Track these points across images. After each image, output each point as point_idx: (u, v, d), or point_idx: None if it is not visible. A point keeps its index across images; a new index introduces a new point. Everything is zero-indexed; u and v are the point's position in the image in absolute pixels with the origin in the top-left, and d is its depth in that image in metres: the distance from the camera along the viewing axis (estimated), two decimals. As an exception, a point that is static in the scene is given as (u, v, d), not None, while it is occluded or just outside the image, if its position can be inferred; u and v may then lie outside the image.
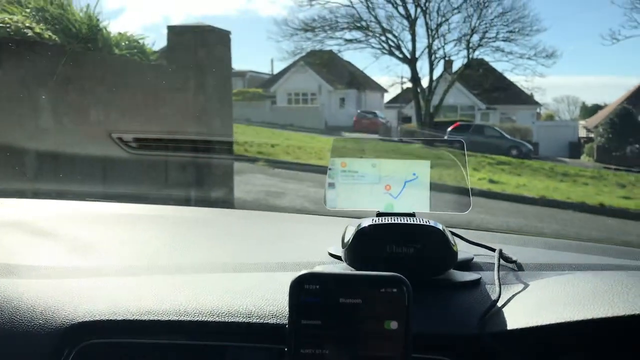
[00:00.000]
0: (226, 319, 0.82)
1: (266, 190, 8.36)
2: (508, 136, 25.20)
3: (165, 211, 1.53)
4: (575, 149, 27.58)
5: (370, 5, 25.34)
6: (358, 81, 33.75)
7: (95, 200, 1.66)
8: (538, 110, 32.90)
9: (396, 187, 1.06)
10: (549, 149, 26.55)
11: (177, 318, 0.82)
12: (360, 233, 0.87)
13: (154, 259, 1.05)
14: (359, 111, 31.88)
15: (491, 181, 12.58)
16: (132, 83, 4.32)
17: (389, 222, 0.87)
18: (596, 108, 35.97)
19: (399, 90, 30.87)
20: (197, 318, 0.82)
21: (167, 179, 3.92)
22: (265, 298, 0.85)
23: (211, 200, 4.25)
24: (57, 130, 3.30)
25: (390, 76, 52.71)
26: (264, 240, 1.19)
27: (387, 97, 36.48)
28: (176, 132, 4.43)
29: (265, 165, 11.28)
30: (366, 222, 0.89)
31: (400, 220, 0.89)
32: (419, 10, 25.12)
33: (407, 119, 29.69)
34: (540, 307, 0.76)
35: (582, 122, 32.25)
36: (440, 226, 0.88)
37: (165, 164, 3.73)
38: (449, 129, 25.30)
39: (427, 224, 0.87)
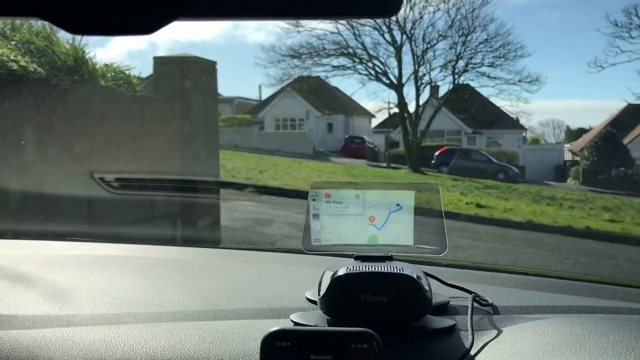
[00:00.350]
0: None
1: (254, 217, 8.34)
2: (495, 160, 25.41)
3: (145, 252, 1.52)
4: (561, 172, 27.86)
5: (356, 32, 25.71)
6: (345, 107, 34.02)
7: (76, 240, 1.66)
8: (524, 134, 33.28)
9: (380, 217, 1.07)
10: (535, 173, 26.79)
11: None
12: (335, 282, 0.87)
13: (130, 306, 1.04)
14: (346, 136, 32.06)
15: (479, 206, 12.65)
16: (118, 115, 4.32)
17: (364, 270, 0.88)
18: (581, 131, 36.49)
19: (386, 116, 31.12)
20: None
21: (153, 214, 3.90)
22: (240, 348, 0.85)
23: (197, 238, 4.22)
24: (41, 167, 3.28)
25: (377, 101, 53.48)
26: (243, 284, 1.19)
27: (375, 122, 36.77)
28: (162, 164, 4.42)
29: (254, 191, 11.27)
30: (341, 270, 0.89)
31: (376, 268, 0.90)
32: (404, 37, 25.52)
33: (394, 144, 29.88)
34: (511, 356, 0.77)
35: (567, 146, 32.65)
36: (414, 273, 0.88)
37: (150, 200, 3.71)
38: (436, 153, 25.50)
39: (401, 272, 0.87)
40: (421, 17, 25.56)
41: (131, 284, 1.17)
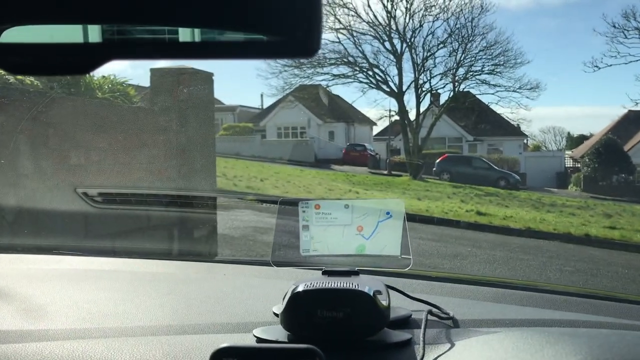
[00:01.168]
0: None
1: (254, 226, 8.36)
2: (496, 167, 25.41)
3: (126, 265, 1.55)
4: (562, 179, 27.84)
5: (357, 41, 25.79)
6: (347, 115, 34.08)
7: (60, 254, 1.69)
8: (525, 141, 33.31)
9: (369, 227, 1.10)
10: (536, 180, 26.79)
11: None
12: (293, 298, 0.90)
13: (102, 321, 1.07)
14: (348, 144, 32.11)
15: (479, 213, 12.64)
16: (113, 127, 4.37)
17: (320, 287, 0.91)
18: (582, 138, 36.51)
19: (387, 123, 31.17)
20: None
21: (146, 228, 3.92)
22: None
23: (192, 251, 4.24)
24: (33, 181, 3.31)
25: (378, 109, 53.66)
26: (215, 298, 1.22)
27: (376, 129, 36.83)
28: (157, 175, 4.46)
29: (254, 200, 11.30)
30: (300, 286, 0.92)
31: (335, 284, 0.92)
32: (404, 45, 25.60)
33: (396, 151, 29.91)
34: None
35: (568, 153, 32.67)
36: (371, 290, 0.91)
37: (143, 214, 3.73)
38: (438, 160, 25.50)
39: (356, 288, 0.90)
40: (421, 26, 25.63)
41: (105, 299, 1.20)
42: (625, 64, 27.72)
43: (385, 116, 29.37)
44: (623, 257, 9.16)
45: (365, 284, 0.93)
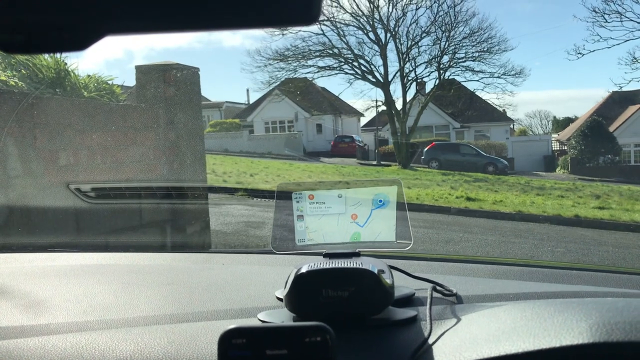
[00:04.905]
0: None
1: (246, 221, 8.34)
2: (484, 153, 25.55)
3: (123, 259, 1.54)
4: (549, 162, 28.06)
5: (341, 32, 25.72)
6: (334, 107, 34.03)
7: (56, 251, 1.67)
8: (511, 126, 33.49)
9: (363, 215, 1.10)
10: (524, 164, 26.99)
11: None
12: (297, 279, 0.90)
13: (103, 313, 1.06)
14: (336, 136, 32.11)
15: (469, 199, 12.69)
16: (101, 125, 4.33)
17: (324, 267, 0.91)
18: (568, 121, 36.77)
19: (374, 114, 31.19)
20: None
21: (138, 223, 3.89)
22: (207, 348, 0.88)
23: (185, 245, 4.22)
24: (23, 180, 3.27)
25: (365, 100, 53.75)
26: (216, 286, 1.21)
27: (364, 120, 36.86)
28: (147, 172, 4.43)
29: (244, 195, 11.28)
30: (304, 268, 0.92)
31: (338, 264, 0.92)
32: (388, 35, 25.57)
33: (384, 142, 29.97)
34: (465, 343, 0.80)
35: (554, 136, 32.92)
36: (375, 268, 0.91)
37: (136, 209, 3.70)
38: (426, 148, 25.59)
39: (360, 267, 0.90)
40: (404, 15, 25.62)
41: (105, 291, 1.19)
42: (608, 47, 27.94)
43: (372, 107, 29.40)
44: (613, 237, 9.24)
45: (369, 263, 0.93)
